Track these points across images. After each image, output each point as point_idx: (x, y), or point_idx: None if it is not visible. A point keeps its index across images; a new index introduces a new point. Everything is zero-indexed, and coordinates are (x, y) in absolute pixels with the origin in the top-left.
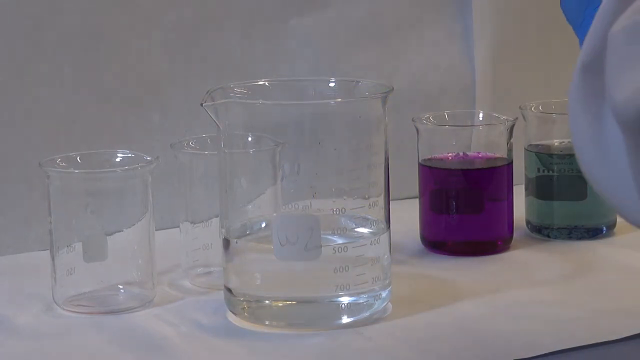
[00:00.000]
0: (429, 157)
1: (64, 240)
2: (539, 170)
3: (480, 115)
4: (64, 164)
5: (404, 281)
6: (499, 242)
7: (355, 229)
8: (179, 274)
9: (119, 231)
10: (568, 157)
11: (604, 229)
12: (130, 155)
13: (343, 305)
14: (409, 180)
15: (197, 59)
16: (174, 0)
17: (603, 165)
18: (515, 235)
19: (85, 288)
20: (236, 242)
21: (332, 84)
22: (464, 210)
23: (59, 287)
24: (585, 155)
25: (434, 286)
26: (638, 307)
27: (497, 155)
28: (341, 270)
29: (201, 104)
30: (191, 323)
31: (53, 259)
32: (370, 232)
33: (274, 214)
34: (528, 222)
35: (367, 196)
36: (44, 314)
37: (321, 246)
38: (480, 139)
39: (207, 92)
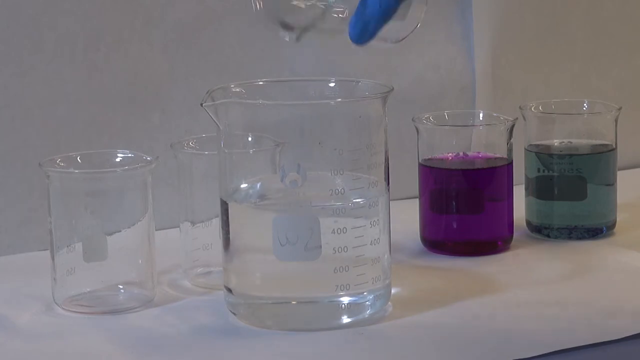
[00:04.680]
0: (429, 157)
1: (64, 240)
2: (539, 170)
3: (480, 115)
4: (64, 164)
5: (404, 281)
6: (499, 242)
7: (356, 229)
8: (179, 274)
9: (119, 231)
10: (568, 157)
11: (604, 229)
12: (130, 155)
13: (343, 305)
14: (409, 180)
15: (197, 59)
16: (174, 0)
17: None
18: (515, 235)
19: (85, 288)
20: (236, 240)
21: (332, 84)
22: (464, 210)
23: (59, 287)
24: None
25: (434, 286)
26: (638, 307)
27: (497, 155)
28: (341, 270)
29: (201, 104)
30: (191, 323)
31: (53, 259)
32: (371, 232)
33: (274, 214)
34: (528, 222)
35: (367, 196)
36: (44, 314)
37: (321, 246)
38: (480, 139)
39: (207, 92)
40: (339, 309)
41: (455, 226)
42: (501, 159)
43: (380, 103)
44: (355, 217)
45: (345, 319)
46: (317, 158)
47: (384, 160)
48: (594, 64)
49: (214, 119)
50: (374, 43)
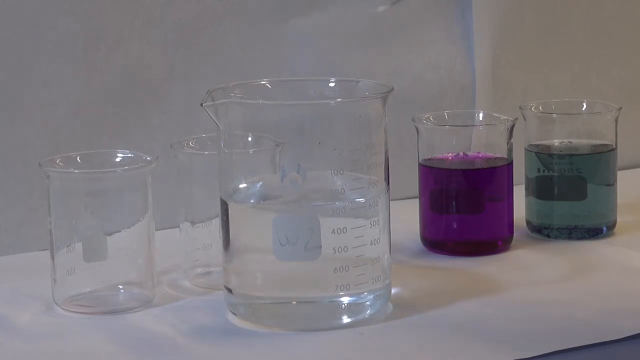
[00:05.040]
0: (429, 157)
1: (64, 240)
2: (539, 170)
3: (480, 115)
4: (63, 164)
5: (404, 281)
6: (499, 242)
7: (356, 229)
8: (179, 274)
9: (119, 231)
10: (568, 157)
11: (604, 229)
12: (130, 155)
13: (343, 305)
14: (409, 180)
15: (197, 59)
16: (174, 0)
17: None
18: (515, 235)
19: (85, 288)
20: (236, 240)
21: (332, 84)
22: (464, 210)
23: (59, 287)
24: None
25: (434, 286)
26: (638, 307)
27: (497, 155)
28: (341, 270)
29: (201, 104)
30: (191, 323)
31: (53, 259)
32: (371, 232)
33: (274, 214)
34: (528, 222)
35: (367, 196)
36: (44, 314)
37: (321, 246)
38: (480, 139)
39: (207, 92)
40: (339, 309)
41: (455, 226)
42: (501, 159)
43: (380, 103)
44: (355, 217)
45: (345, 319)
46: (317, 158)
47: (384, 160)
48: (594, 64)
49: (214, 119)
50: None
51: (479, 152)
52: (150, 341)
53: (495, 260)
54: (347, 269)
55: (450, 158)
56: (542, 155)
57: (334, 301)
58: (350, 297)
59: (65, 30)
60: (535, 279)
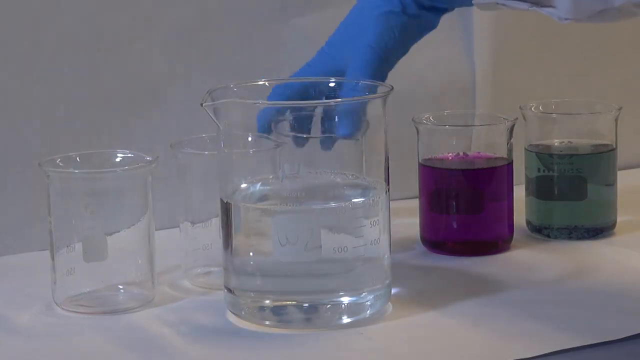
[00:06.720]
0: (429, 157)
1: (64, 240)
2: (539, 170)
3: (481, 115)
4: (63, 164)
5: (404, 281)
6: (499, 242)
7: (356, 229)
8: (179, 274)
9: (119, 231)
10: (568, 157)
11: (604, 229)
12: (130, 155)
13: (343, 305)
14: (409, 180)
15: (197, 59)
16: (174, 0)
17: None
18: (515, 235)
19: (85, 288)
20: (236, 240)
21: (332, 84)
22: (464, 210)
23: (59, 287)
24: None
25: (434, 286)
26: (638, 307)
27: (497, 155)
28: (341, 270)
29: (201, 104)
30: (191, 323)
31: (53, 259)
32: (371, 232)
33: (274, 214)
34: (528, 222)
35: (367, 196)
36: (44, 314)
37: (321, 246)
38: (480, 139)
39: (207, 92)
40: (339, 309)
41: (455, 226)
42: (501, 159)
43: (380, 103)
44: (355, 217)
45: (345, 319)
46: (317, 158)
47: (384, 160)
48: (594, 64)
49: (214, 119)
50: None
51: (479, 152)
52: (150, 341)
53: (495, 260)
54: (347, 269)
55: (450, 158)
56: (542, 155)
57: (334, 301)
58: (350, 297)
59: (65, 30)
60: (535, 279)
